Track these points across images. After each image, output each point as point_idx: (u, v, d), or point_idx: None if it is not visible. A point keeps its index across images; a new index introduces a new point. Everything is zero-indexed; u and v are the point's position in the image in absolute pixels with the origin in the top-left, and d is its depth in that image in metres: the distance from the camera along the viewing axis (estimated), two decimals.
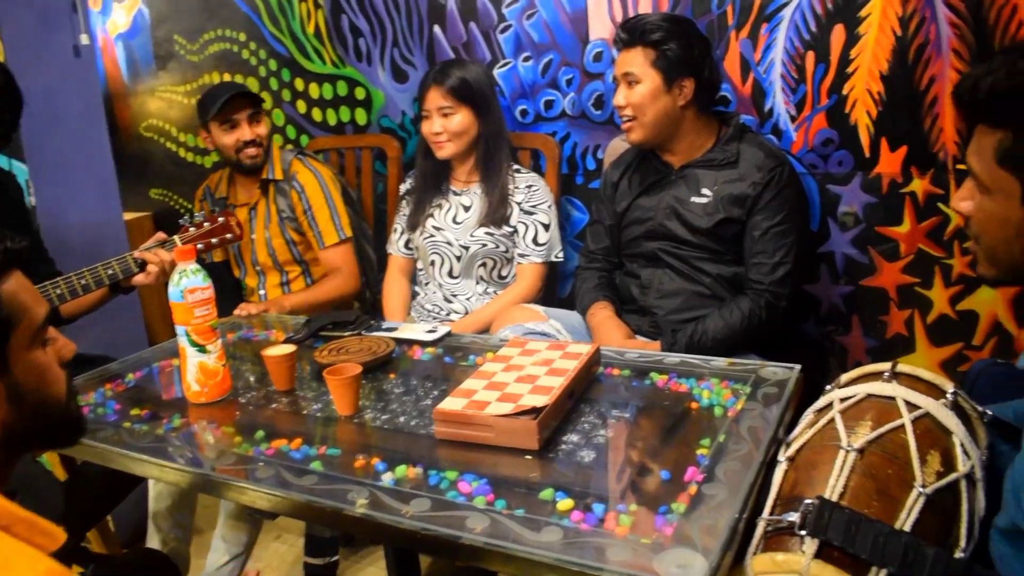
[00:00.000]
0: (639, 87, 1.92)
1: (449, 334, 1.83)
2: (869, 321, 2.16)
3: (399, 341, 1.78)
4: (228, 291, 2.52)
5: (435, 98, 2.20)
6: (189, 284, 1.51)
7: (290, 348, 1.59)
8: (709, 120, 1.99)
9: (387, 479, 1.20)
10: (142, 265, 1.96)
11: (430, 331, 1.83)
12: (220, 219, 2.03)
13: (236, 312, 2.14)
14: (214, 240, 2.03)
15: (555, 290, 2.48)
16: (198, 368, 1.54)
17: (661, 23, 1.91)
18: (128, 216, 3.12)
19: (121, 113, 3.41)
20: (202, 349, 1.53)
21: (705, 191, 1.94)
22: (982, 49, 1.87)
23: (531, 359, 1.49)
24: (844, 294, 2.17)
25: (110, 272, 1.94)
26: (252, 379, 1.67)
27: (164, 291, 1.55)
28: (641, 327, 2.03)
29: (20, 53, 2.42)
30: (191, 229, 2.01)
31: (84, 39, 2.62)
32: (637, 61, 1.92)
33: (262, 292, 2.53)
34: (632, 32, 1.93)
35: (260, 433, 1.39)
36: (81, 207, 2.60)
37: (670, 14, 2.08)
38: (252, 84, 2.98)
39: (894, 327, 2.13)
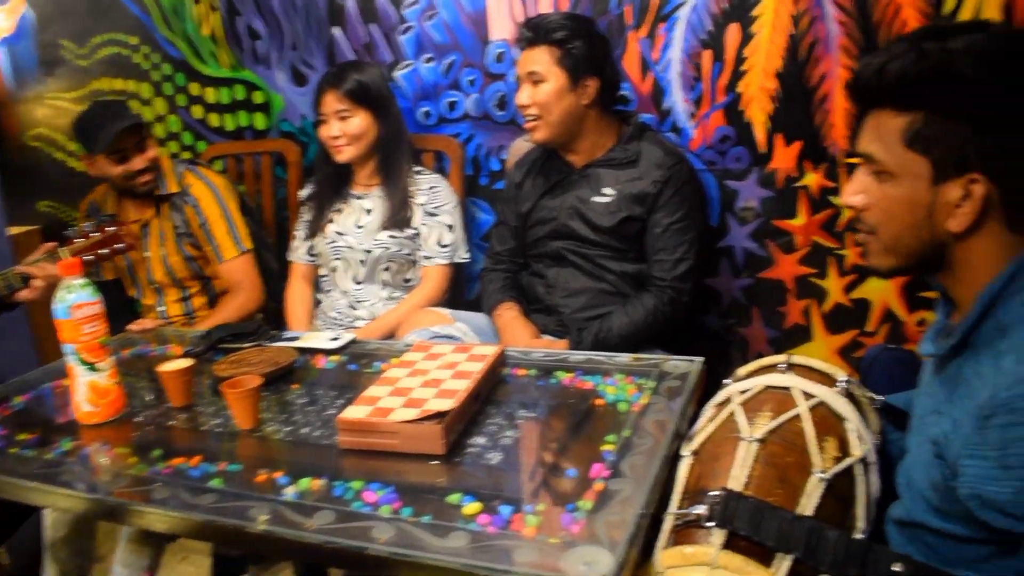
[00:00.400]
0: (544, 86, 1.92)
1: (354, 341, 1.80)
2: (769, 312, 2.21)
3: (302, 350, 1.73)
4: (120, 310, 2.41)
5: (331, 102, 2.16)
6: (76, 299, 1.43)
7: (186, 363, 1.53)
8: (610, 119, 2.01)
9: (290, 493, 1.17)
10: (27, 280, 1.87)
11: (334, 339, 1.79)
12: (110, 228, 1.95)
13: (130, 327, 2.05)
14: (104, 251, 1.94)
15: (462, 292, 2.46)
16: (88, 388, 1.46)
17: (565, 21, 1.91)
18: (15, 230, 2.98)
19: (5, 122, 3.23)
20: (92, 367, 1.45)
21: (607, 190, 1.95)
22: (869, 45, 1.95)
23: (436, 363, 1.47)
24: (744, 287, 2.22)
25: None
26: (149, 396, 1.60)
27: None
28: (548, 326, 2.03)
29: None
30: (78, 240, 1.93)
31: None
32: (542, 60, 1.92)
33: (161, 309, 2.43)
34: (536, 30, 1.93)
35: (157, 452, 1.34)
36: None
37: (572, 13, 2.09)
38: (145, 89, 2.88)
39: (792, 317, 2.19)
